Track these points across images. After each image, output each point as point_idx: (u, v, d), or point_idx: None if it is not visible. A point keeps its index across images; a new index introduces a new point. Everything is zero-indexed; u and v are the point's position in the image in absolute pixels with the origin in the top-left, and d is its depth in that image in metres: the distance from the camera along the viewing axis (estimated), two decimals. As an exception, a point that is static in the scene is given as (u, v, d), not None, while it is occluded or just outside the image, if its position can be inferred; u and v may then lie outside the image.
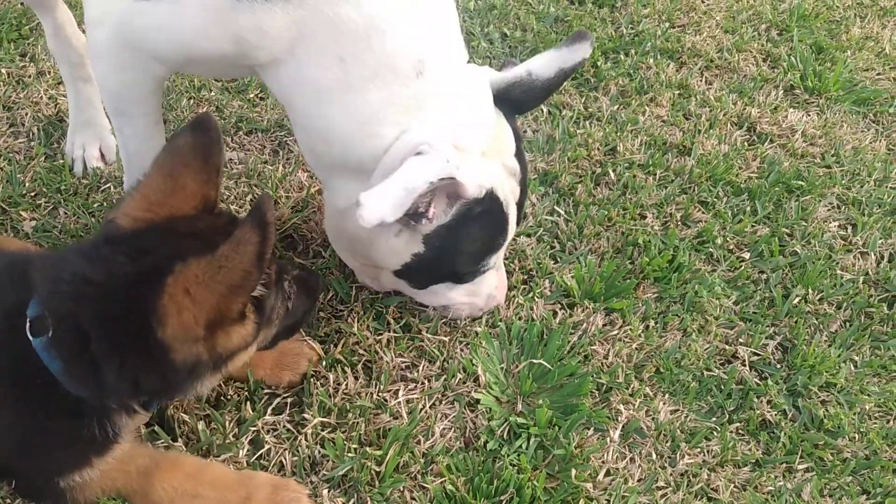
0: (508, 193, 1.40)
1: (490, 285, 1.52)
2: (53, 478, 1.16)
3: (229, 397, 1.45)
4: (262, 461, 1.38)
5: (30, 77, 2.07)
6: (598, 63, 2.31)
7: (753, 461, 1.44)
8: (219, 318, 1.06)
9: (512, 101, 1.41)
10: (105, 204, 1.75)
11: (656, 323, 1.62)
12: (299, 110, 1.33)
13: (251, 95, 2.15)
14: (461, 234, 1.36)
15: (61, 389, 1.08)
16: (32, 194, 1.75)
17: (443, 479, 1.35)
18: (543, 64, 1.41)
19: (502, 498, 1.32)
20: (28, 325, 1.07)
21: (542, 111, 2.13)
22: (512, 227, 1.44)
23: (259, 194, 1.84)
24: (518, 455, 1.39)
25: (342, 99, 1.24)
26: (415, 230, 1.36)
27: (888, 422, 1.53)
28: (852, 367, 1.61)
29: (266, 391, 1.46)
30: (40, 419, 1.12)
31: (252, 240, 1.01)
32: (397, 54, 1.22)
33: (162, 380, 1.09)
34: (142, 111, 1.45)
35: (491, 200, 1.35)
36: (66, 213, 1.72)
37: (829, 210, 1.95)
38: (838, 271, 1.78)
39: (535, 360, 1.52)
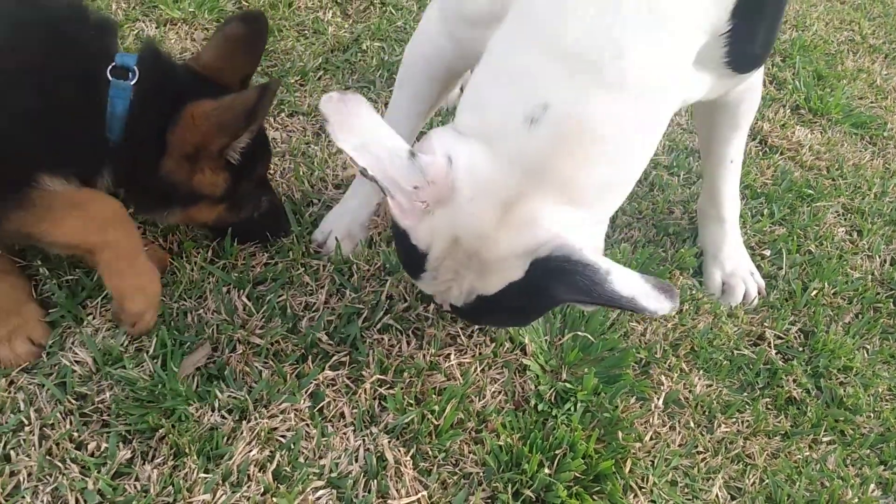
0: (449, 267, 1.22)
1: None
2: (36, 173, 1.31)
3: (287, 354, 1.50)
4: (322, 412, 1.43)
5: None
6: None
7: (783, 432, 1.54)
8: (203, 146, 1.38)
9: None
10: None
11: (689, 306, 1.72)
12: None
13: (291, 80, 2.21)
14: (396, 239, 1.29)
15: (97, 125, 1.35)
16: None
17: (498, 435, 1.41)
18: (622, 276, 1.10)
19: (556, 453, 1.39)
20: (111, 68, 1.34)
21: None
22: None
23: (304, 171, 1.91)
24: (568, 417, 1.46)
25: None
26: None
27: (900, 404, 1.66)
28: (865, 354, 1.73)
29: (318, 349, 1.51)
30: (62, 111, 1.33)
31: (251, 97, 1.33)
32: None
33: (153, 174, 1.40)
34: (416, 87, 1.55)
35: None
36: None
37: (836, 217, 2.10)
38: (848, 270, 1.92)
39: (579, 333, 1.60)
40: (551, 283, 1.10)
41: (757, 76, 1.52)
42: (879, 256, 1.99)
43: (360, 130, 1.10)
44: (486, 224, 1.12)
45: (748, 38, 1.18)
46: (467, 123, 1.15)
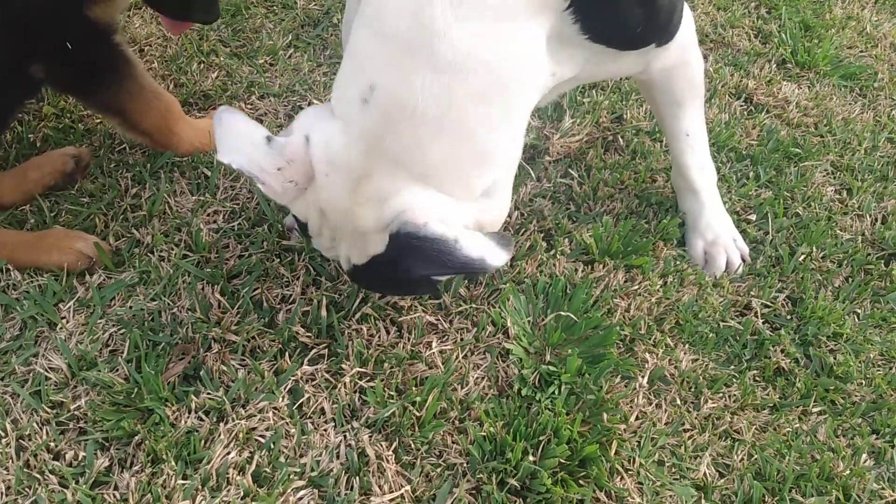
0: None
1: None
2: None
3: (265, 350, 1.47)
4: (301, 409, 1.40)
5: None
6: (600, 35, 2.36)
7: (771, 405, 1.52)
8: None
9: None
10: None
11: (674, 278, 1.68)
12: None
13: (261, 61, 2.15)
14: None
15: None
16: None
17: (482, 423, 1.39)
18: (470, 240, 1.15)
19: (541, 439, 1.37)
20: None
21: (549, 80, 2.18)
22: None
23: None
24: (552, 401, 1.44)
25: None
26: None
27: (891, 368, 1.62)
28: (856, 319, 1.70)
29: (297, 343, 1.48)
30: None
31: None
32: None
33: None
34: None
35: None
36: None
37: (824, 176, 2.04)
38: (838, 231, 1.87)
39: (562, 313, 1.57)
40: (406, 257, 1.15)
41: (676, 52, 1.48)
42: (870, 215, 1.94)
43: (235, 138, 1.19)
44: (341, 200, 1.18)
45: (603, 15, 1.20)
46: (333, 101, 1.20)
